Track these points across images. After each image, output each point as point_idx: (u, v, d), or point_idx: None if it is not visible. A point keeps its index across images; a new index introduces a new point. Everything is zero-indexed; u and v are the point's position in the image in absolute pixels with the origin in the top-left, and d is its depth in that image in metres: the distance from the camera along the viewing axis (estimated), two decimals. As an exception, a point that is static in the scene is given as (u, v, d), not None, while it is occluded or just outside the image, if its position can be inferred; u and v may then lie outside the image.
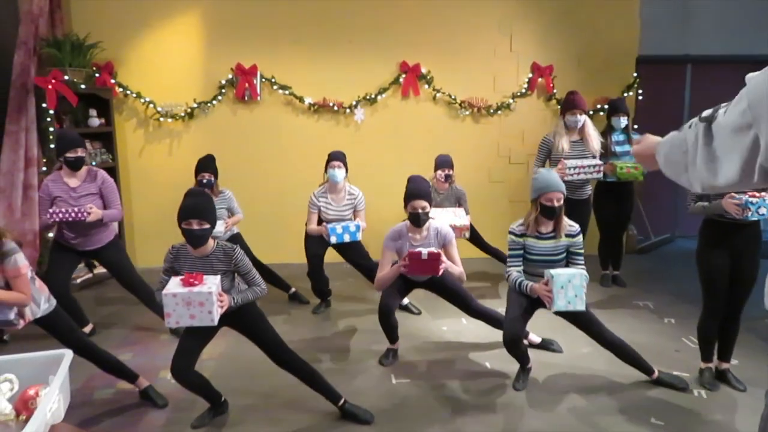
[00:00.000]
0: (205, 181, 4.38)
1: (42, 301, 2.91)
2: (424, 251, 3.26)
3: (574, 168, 4.41)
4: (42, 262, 5.01)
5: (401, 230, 3.60)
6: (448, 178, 4.71)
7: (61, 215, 3.63)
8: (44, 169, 4.96)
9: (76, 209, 3.66)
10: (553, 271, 3.08)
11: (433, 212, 3.99)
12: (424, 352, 3.89)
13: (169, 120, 5.72)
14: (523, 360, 3.39)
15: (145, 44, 5.66)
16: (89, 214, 3.67)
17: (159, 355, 3.83)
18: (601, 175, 4.52)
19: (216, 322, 2.62)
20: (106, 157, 5.53)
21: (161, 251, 2.95)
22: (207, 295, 2.54)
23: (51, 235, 4.69)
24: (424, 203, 3.46)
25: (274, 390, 3.34)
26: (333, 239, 4.15)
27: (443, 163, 4.72)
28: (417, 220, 3.48)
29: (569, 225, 3.30)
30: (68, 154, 3.75)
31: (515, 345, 3.27)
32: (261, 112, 5.83)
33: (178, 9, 5.64)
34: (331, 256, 4.50)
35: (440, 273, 3.31)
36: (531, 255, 3.31)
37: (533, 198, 3.26)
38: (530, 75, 5.92)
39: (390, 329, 3.69)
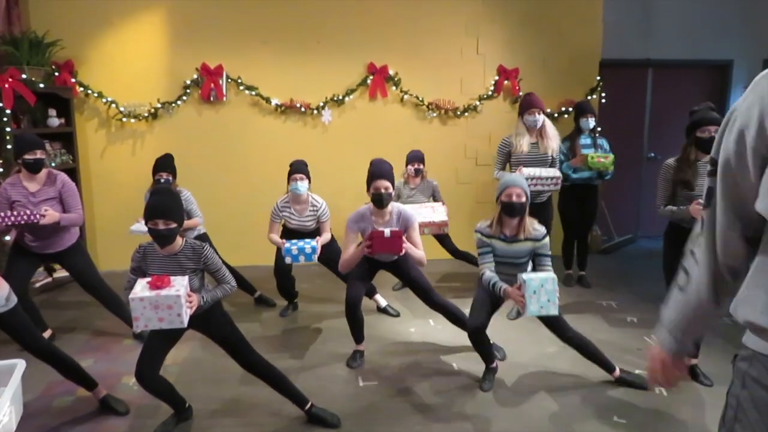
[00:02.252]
0: (162, 180, 4.26)
1: (1, 299, 2.81)
2: (387, 230, 3.29)
3: (531, 179, 4.31)
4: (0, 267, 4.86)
5: (364, 213, 3.59)
6: (418, 172, 4.80)
7: (12, 219, 3.49)
8: (0, 170, 4.80)
9: (28, 212, 3.53)
10: (525, 276, 3.06)
11: (411, 208, 4.02)
12: (391, 354, 3.89)
13: (132, 120, 5.61)
14: (487, 358, 3.41)
15: (107, 42, 5.54)
16: (43, 216, 3.55)
17: (121, 360, 3.75)
18: (558, 187, 4.48)
19: (185, 324, 2.57)
20: (66, 158, 5.39)
21: (124, 254, 2.89)
22: (175, 298, 2.50)
23: (8, 238, 4.56)
24: (387, 183, 3.47)
25: (239, 395, 3.31)
26: (288, 260, 4.03)
27: (413, 157, 4.81)
28: (380, 200, 3.48)
29: (534, 228, 3.30)
30: (27, 156, 3.63)
31: (479, 337, 3.29)
32: (227, 113, 5.76)
33: (142, 7, 5.54)
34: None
35: (402, 252, 3.34)
36: (496, 257, 3.33)
37: (496, 197, 3.29)
38: (496, 77, 5.99)
39: (355, 324, 3.68)
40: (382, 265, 3.74)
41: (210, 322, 2.86)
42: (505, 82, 5.99)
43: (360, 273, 3.68)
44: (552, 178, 4.40)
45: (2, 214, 3.50)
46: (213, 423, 3.04)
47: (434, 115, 5.99)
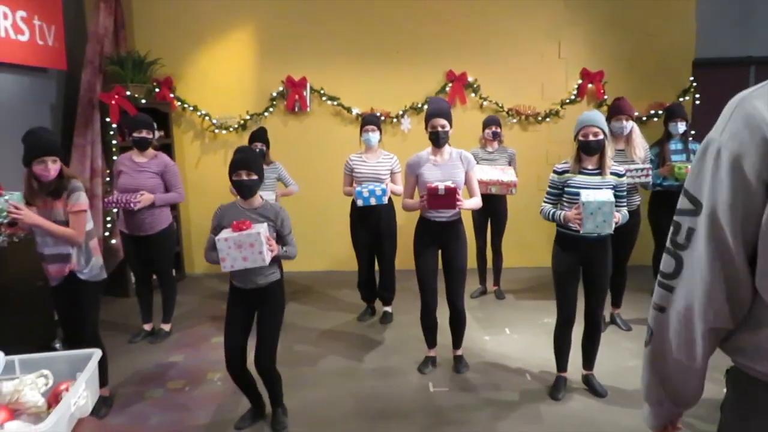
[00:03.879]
0: (257, 150, 4.65)
1: (92, 262, 3.13)
2: (441, 186, 3.31)
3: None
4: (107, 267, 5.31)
5: (422, 156, 3.58)
6: (495, 135, 4.81)
7: (114, 202, 4.03)
8: (108, 179, 5.26)
9: (126, 197, 3.98)
10: (584, 198, 3.03)
11: (480, 168, 4.15)
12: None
13: (224, 131, 5.96)
14: (561, 363, 3.43)
15: (202, 59, 5.93)
16: (138, 203, 3.98)
17: (207, 358, 3.99)
18: (650, 179, 4.27)
19: (267, 262, 2.76)
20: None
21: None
22: (256, 236, 2.72)
23: (114, 242, 5.01)
24: (444, 121, 3.47)
25: (310, 398, 3.43)
26: (360, 202, 4.17)
27: (491, 121, 4.85)
28: (437, 138, 3.48)
29: (614, 165, 3.24)
30: (135, 134, 4.15)
31: (567, 330, 3.36)
32: (310, 123, 5.99)
33: (232, 25, 5.88)
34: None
35: (457, 208, 3.39)
36: (574, 189, 3.18)
37: (574, 135, 3.23)
38: (579, 81, 5.83)
39: (429, 329, 3.73)
40: (440, 246, 3.63)
41: (268, 299, 2.99)
42: (589, 85, 5.82)
43: (432, 278, 3.65)
44: (642, 169, 4.18)
45: (106, 200, 4.13)
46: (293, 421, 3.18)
47: (514, 120, 5.92)
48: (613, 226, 3.04)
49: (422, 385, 3.57)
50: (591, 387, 3.43)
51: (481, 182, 4.21)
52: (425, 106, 5.80)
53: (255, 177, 2.89)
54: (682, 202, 1.14)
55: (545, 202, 3.29)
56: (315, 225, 5.91)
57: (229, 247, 2.73)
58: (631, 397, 3.32)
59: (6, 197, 2.83)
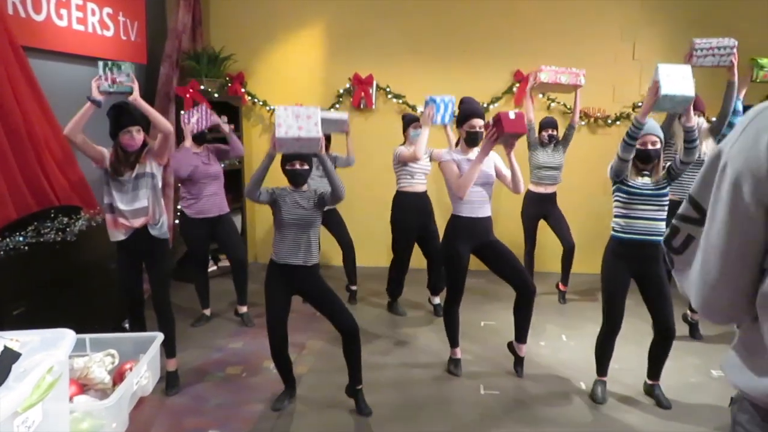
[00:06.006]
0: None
1: (163, 218, 3.41)
2: (511, 112, 3.31)
3: (702, 50, 3.97)
4: (174, 254, 5.56)
5: (453, 153, 3.58)
6: (551, 138, 4.83)
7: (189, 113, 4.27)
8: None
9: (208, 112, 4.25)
10: (660, 65, 2.99)
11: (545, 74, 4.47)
12: (518, 366, 3.84)
13: (291, 126, 6.09)
14: (601, 367, 3.39)
15: (273, 56, 6.09)
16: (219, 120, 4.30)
17: (265, 346, 4.08)
18: (735, 59, 3.97)
19: (320, 134, 2.90)
20: (234, 160, 5.99)
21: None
22: (314, 110, 2.89)
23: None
24: (482, 121, 3.52)
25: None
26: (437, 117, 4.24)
27: (547, 123, 4.87)
28: (476, 138, 3.50)
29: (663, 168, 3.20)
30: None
31: (612, 340, 3.33)
32: (375, 120, 6.05)
33: (303, 23, 6.01)
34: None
35: (527, 130, 3.54)
36: (632, 189, 3.12)
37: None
38: (654, 84, 5.60)
39: (451, 326, 3.72)
40: (475, 250, 3.61)
41: (310, 278, 3.18)
42: (665, 88, 5.59)
43: (462, 274, 3.59)
44: (729, 47, 3.94)
45: (182, 113, 4.32)
46: (332, 411, 3.25)
47: (583, 123, 5.77)
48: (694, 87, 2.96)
49: (473, 386, 3.56)
50: (656, 398, 3.32)
51: (545, 84, 4.55)
52: (491, 106, 5.77)
53: (307, 167, 3.16)
54: (686, 208, 1.10)
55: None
56: (377, 220, 5.96)
57: (288, 116, 2.87)
58: (693, 413, 3.19)
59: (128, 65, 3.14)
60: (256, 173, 3.10)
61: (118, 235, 3.34)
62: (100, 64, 3.11)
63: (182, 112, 4.31)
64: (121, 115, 3.18)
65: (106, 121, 3.22)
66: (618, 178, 3.16)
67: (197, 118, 4.22)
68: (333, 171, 3.09)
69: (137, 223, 3.31)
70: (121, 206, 3.29)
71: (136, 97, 3.14)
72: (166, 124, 3.30)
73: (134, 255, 3.41)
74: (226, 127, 4.33)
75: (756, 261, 1.00)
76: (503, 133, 3.31)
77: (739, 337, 1.12)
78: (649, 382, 3.38)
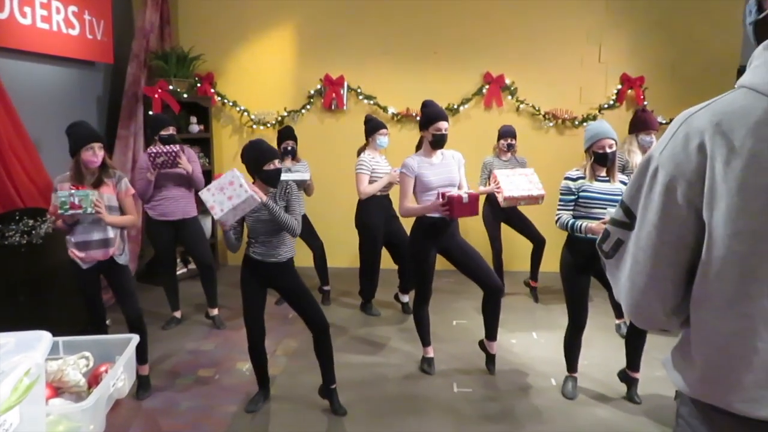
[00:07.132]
0: (289, 148, 4.79)
1: (126, 247, 3.32)
2: (464, 194, 3.33)
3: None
4: (143, 256, 5.48)
5: (419, 160, 3.57)
6: (510, 147, 4.91)
7: (157, 154, 4.02)
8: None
9: (172, 148, 4.05)
10: (612, 209, 3.03)
11: (506, 174, 4.35)
12: (490, 363, 3.90)
13: (261, 127, 6.07)
14: (571, 364, 3.48)
15: (243, 56, 6.05)
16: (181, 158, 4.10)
17: (238, 348, 4.09)
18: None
19: (250, 192, 2.86)
20: (203, 161, 5.93)
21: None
22: (231, 174, 2.86)
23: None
24: (447, 124, 3.54)
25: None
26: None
27: (506, 132, 4.91)
28: (441, 140, 3.52)
29: (620, 173, 3.35)
30: (162, 132, 4.22)
31: (579, 337, 3.39)
32: (346, 121, 6.05)
33: (274, 24, 5.99)
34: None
35: (479, 213, 3.48)
36: (591, 194, 3.22)
37: (586, 147, 3.25)
38: (619, 86, 5.75)
39: (421, 326, 3.74)
40: (441, 250, 3.65)
41: (284, 274, 3.20)
42: (629, 91, 5.74)
43: (429, 274, 3.64)
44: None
45: (148, 150, 4.07)
46: (306, 410, 3.26)
47: (551, 124, 5.88)
48: None
49: (446, 384, 3.60)
50: (630, 392, 3.41)
51: (511, 199, 4.28)
52: (461, 107, 5.84)
53: (280, 166, 3.11)
54: (618, 213, 1.14)
55: (560, 209, 3.28)
56: (348, 221, 5.96)
57: (213, 195, 2.86)
58: (661, 408, 3.29)
59: (89, 193, 3.00)
60: (227, 243, 3.11)
61: (82, 266, 3.22)
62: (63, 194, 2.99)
63: (150, 148, 4.07)
64: (82, 132, 3.09)
65: (66, 140, 3.11)
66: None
67: (163, 161, 4.06)
68: (280, 215, 3.00)
69: (99, 255, 3.19)
70: (87, 238, 3.16)
71: (104, 216, 3.07)
72: (133, 223, 3.33)
73: (96, 285, 3.31)
74: (189, 167, 4.19)
75: (684, 262, 1.06)
76: (452, 218, 3.41)
77: (679, 337, 1.19)
78: (632, 375, 3.42)
